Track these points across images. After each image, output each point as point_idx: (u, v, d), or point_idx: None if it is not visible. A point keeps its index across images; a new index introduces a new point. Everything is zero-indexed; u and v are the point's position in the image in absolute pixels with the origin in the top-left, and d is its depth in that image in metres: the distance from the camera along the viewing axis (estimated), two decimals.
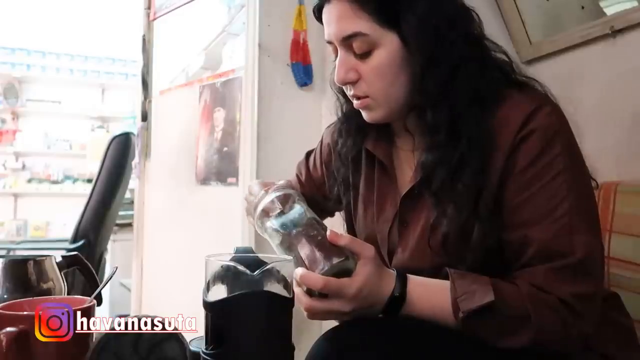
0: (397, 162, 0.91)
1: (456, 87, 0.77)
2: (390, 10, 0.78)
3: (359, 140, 0.93)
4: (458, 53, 0.78)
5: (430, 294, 0.76)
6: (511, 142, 0.75)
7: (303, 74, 1.84)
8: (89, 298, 0.71)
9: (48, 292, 0.87)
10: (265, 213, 0.82)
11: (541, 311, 0.70)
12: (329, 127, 1.06)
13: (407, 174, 0.88)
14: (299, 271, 0.71)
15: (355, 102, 0.85)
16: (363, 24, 0.78)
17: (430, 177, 0.79)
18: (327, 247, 0.73)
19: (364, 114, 0.86)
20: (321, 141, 1.09)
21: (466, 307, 0.71)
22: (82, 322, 0.64)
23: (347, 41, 0.80)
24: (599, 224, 0.78)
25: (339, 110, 0.96)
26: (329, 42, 0.84)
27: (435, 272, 0.79)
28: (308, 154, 1.14)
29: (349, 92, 0.85)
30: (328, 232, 0.74)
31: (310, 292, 0.73)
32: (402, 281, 0.75)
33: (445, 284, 0.75)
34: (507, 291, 0.72)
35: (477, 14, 0.83)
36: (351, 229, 1.00)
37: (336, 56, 0.84)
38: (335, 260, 0.72)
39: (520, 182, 0.75)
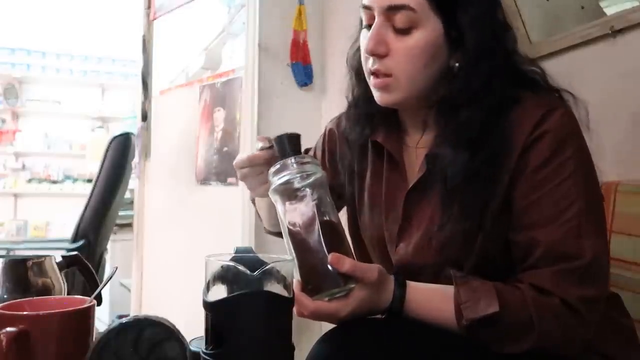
0: (406, 159, 0.89)
1: (492, 89, 0.77)
2: None
3: (367, 129, 0.90)
4: (499, 59, 0.78)
5: (432, 302, 0.75)
6: (523, 143, 0.75)
7: (303, 74, 1.84)
8: (89, 298, 0.70)
9: (48, 292, 0.87)
10: (279, 192, 0.74)
11: (544, 318, 0.70)
12: (332, 120, 1.03)
13: (413, 170, 0.86)
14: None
15: (373, 80, 0.81)
16: None
17: (444, 174, 0.78)
18: (325, 270, 0.70)
19: (378, 95, 0.82)
20: (324, 132, 1.05)
21: (470, 316, 0.71)
22: (82, 322, 0.64)
23: (390, 11, 0.77)
24: (606, 228, 0.77)
25: (350, 93, 0.93)
26: (366, 8, 0.80)
27: (438, 269, 0.79)
28: (307, 150, 1.13)
29: (371, 66, 0.80)
30: (330, 257, 0.70)
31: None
32: (401, 292, 0.75)
33: (448, 289, 0.75)
34: (511, 298, 0.72)
35: (514, 34, 0.83)
36: (354, 224, 0.97)
37: (367, 25, 0.81)
38: (329, 290, 0.71)
39: (531, 183, 0.75)
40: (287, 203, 0.73)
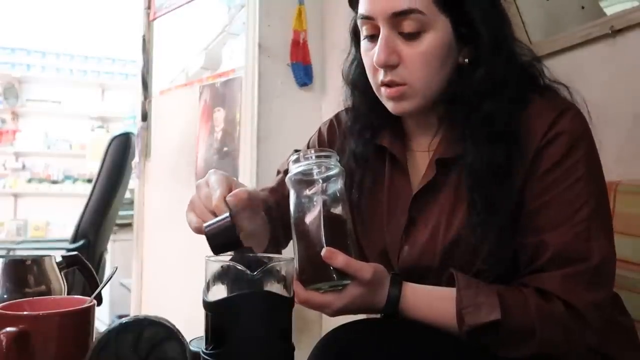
0: (411, 164, 0.88)
1: (511, 79, 0.77)
2: None
3: (373, 138, 0.88)
4: (512, 46, 0.79)
5: (432, 304, 0.75)
6: (537, 145, 0.74)
7: (303, 74, 1.84)
8: (89, 298, 0.70)
9: (48, 292, 0.87)
10: (292, 181, 0.74)
11: (547, 326, 0.70)
12: (325, 123, 1.01)
13: (417, 175, 0.85)
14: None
15: (386, 90, 0.78)
16: (421, 1, 0.73)
17: (458, 176, 0.77)
18: (320, 263, 0.69)
19: (392, 105, 0.80)
20: (318, 134, 1.01)
21: (471, 322, 0.71)
22: (82, 322, 0.64)
23: (397, 18, 0.74)
24: (612, 230, 0.77)
25: (350, 107, 0.91)
26: (367, 18, 0.77)
27: (442, 272, 0.78)
28: (296, 151, 1.10)
29: (383, 78, 0.78)
30: (323, 251, 0.68)
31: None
32: (396, 292, 0.74)
33: (447, 291, 0.74)
34: (514, 305, 0.71)
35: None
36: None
37: (368, 36, 0.79)
38: (321, 282, 0.71)
39: (542, 184, 0.74)
40: (297, 192, 0.73)
